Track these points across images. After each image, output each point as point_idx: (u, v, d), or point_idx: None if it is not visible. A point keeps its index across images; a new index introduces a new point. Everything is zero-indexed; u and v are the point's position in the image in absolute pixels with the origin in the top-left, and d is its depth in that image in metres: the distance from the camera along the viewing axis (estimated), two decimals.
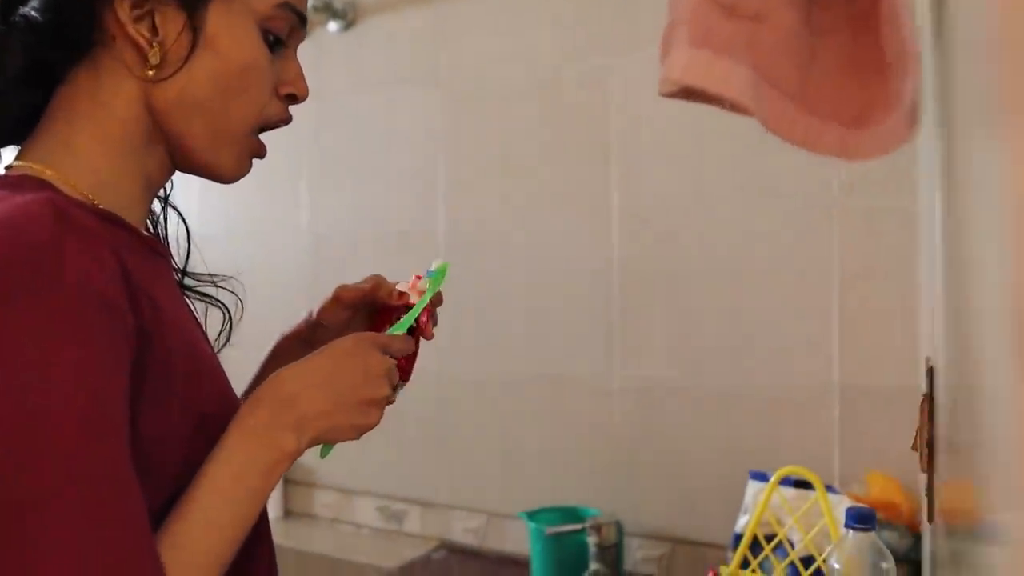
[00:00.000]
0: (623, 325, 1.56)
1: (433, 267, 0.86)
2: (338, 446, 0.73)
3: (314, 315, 0.88)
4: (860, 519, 1.01)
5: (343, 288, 0.87)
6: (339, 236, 1.91)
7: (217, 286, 0.84)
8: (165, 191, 0.80)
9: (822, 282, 1.40)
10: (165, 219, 0.81)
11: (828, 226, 1.39)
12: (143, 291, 0.60)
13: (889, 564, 1.00)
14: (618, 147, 1.57)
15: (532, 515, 1.51)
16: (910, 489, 1.30)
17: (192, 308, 0.78)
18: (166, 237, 0.81)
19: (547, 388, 1.63)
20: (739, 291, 1.47)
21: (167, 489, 0.60)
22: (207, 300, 0.82)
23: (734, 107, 0.48)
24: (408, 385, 0.82)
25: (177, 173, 0.75)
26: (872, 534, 1.01)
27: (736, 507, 1.43)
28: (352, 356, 0.70)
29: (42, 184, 0.62)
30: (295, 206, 1.97)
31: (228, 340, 0.85)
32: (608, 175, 1.58)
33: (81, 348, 0.53)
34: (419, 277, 0.86)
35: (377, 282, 0.86)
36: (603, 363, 1.58)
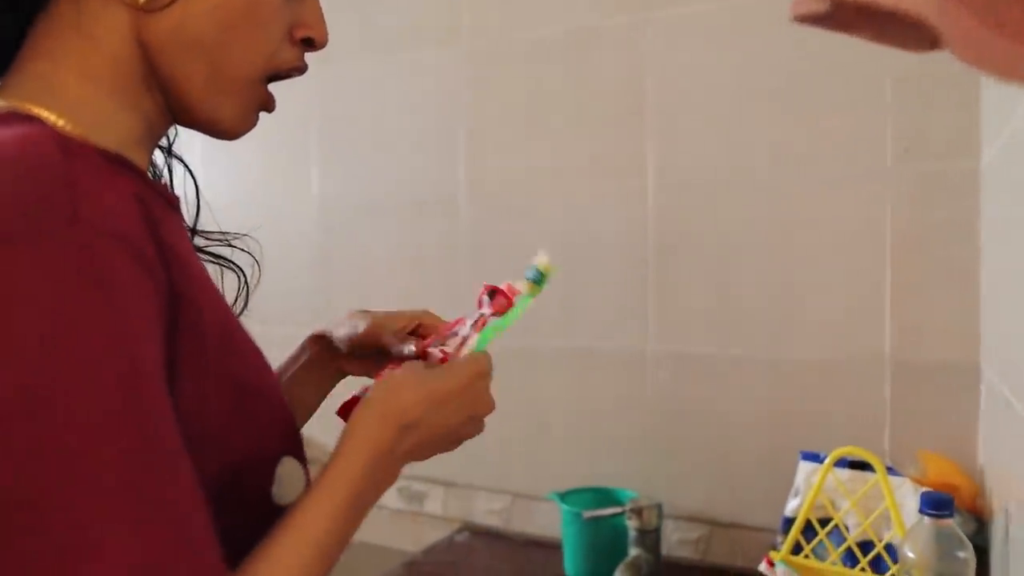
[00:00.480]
0: (659, 295, 1.48)
1: (537, 265, 0.76)
2: None
3: (335, 337, 0.82)
4: (937, 505, 0.94)
5: (380, 324, 0.80)
6: (351, 204, 1.81)
7: (232, 246, 0.74)
8: (168, 140, 0.70)
9: (873, 249, 1.32)
10: (171, 172, 0.71)
11: (880, 190, 1.31)
12: (168, 245, 0.51)
13: (967, 553, 0.93)
14: (654, 107, 1.48)
15: (563, 496, 1.44)
16: (968, 471, 1.23)
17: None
18: (173, 190, 0.72)
19: (577, 362, 1.55)
20: (784, 259, 1.39)
21: (207, 470, 0.52)
22: (221, 262, 0.73)
23: (908, 32, 0.39)
24: None
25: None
26: (951, 521, 0.94)
27: (779, 487, 1.36)
28: (473, 387, 0.65)
29: (31, 119, 0.52)
30: (304, 172, 1.87)
31: (245, 306, 0.75)
32: (643, 137, 1.49)
33: (108, 303, 0.44)
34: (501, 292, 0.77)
35: (424, 321, 0.81)
36: (637, 335, 1.50)
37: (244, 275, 0.74)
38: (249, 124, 0.65)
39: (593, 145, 1.54)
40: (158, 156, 0.69)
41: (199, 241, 0.72)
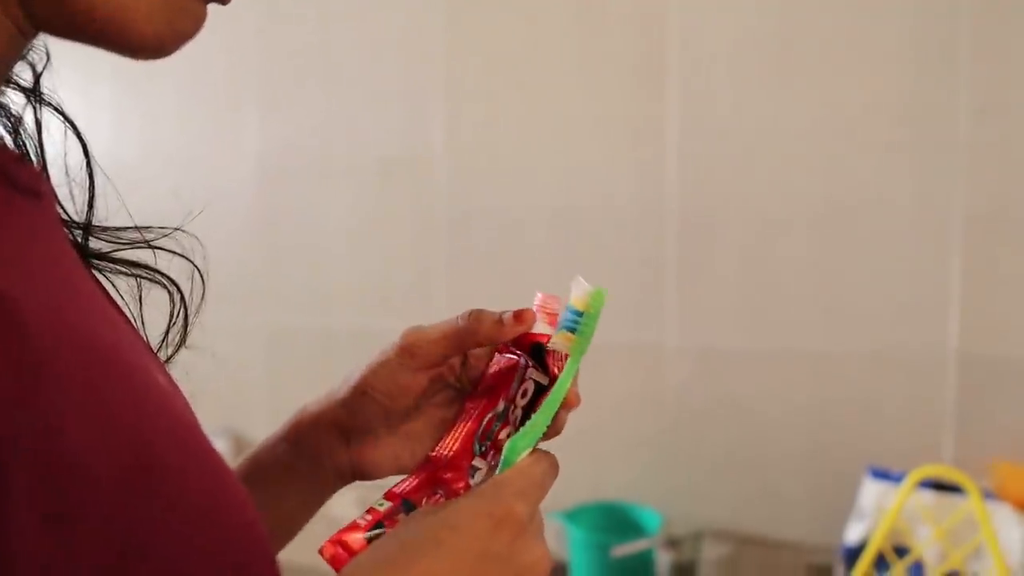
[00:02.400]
0: (680, 280, 1.26)
1: (581, 293, 0.46)
2: None
3: (356, 381, 0.51)
4: None
5: (416, 334, 0.49)
6: (299, 163, 1.51)
7: (152, 247, 0.45)
8: (35, 73, 0.41)
9: (939, 229, 1.14)
10: (39, 127, 0.42)
11: (950, 160, 1.12)
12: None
13: None
14: (677, 61, 1.24)
15: (570, 516, 1.23)
16: None
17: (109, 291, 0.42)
18: (43, 162, 0.43)
19: (584, 357, 1.32)
20: (831, 239, 1.19)
21: None
22: (137, 274, 0.45)
23: None
24: None
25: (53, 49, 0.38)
26: None
27: (823, 497, 1.19)
28: (498, 531, 0.40)
29: None
30: (238, 123, 1.54)
31: (184, 342, 0.47)
32: (663, 96, 1.25)
33: None
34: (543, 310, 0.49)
35: (477, 316, 0.49)
36: (654, 325, 1.28)
37: (179, 291, 0.46)
38: (178, 33, 0.37)
39: (600, 100, 1.30)
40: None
41: (98, 244, 0.43)
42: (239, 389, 1.57)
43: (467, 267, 1.39)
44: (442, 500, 0.46)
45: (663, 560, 1.07)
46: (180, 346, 0.47)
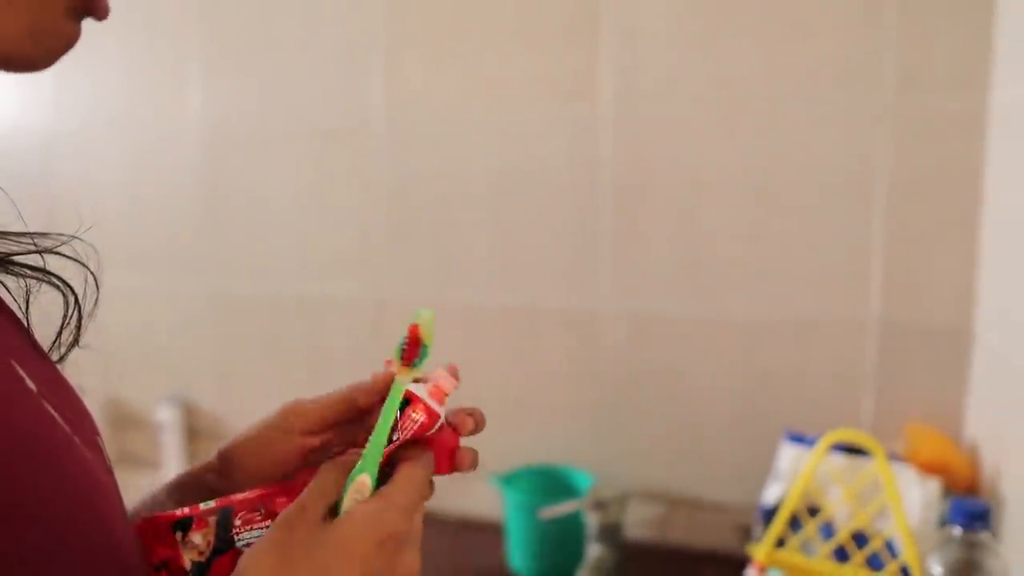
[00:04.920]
0: (614, 244, 1.28)
1: (416, 323, 0.49)
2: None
3: (224, 449, 0.53)
4: (971, 516, 0.80)
5: (297, 401, 0.53)
6: (242, 131, 1.50)
7: (40, 251, 0.46)
8: None
9: (863, 198, 1.15)
10: None
11: (875, 130, 1.14)
12: None
13: (1001, 562, 0.81)
14: (610, 19, 1.24)
15: (508, 480, 1.26)
16: (968, 449, 1.11)
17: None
18: None
19: (518, 322, 1.34)
20: (761, 205, 1.20)
21: None
22: (26, 274, 0.45)
23: None
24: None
25: None
26: (988, 534, 0.80)
27: (747, 461, 1.22)
28: (380, 550, 0.42)
29: None
30: (181, 92, 1.53)
31: (76, 342, 0.48)
32: (596, 56, 1.25)
33: None
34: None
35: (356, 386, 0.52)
36: (588, 292, 1.30)
37: (72, 291, 0.47)
38: (56, 42, 0.38)
39: (535, 63, 1.29)
40: None
41: None
42: (186, 356, 1.59)
43: (407, 232, 1.40)
44: (258, 519, 0.47)
45: (591, 521, 1.11)
46: (73, 346, 0.48)
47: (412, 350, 0.48)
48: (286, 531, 0.41)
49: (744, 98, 1.19)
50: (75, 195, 1.61)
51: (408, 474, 0.45)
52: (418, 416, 0.46)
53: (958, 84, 1.09)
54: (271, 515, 0.47)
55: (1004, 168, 1.04)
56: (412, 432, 0.45)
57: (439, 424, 0.46)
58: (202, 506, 0.46)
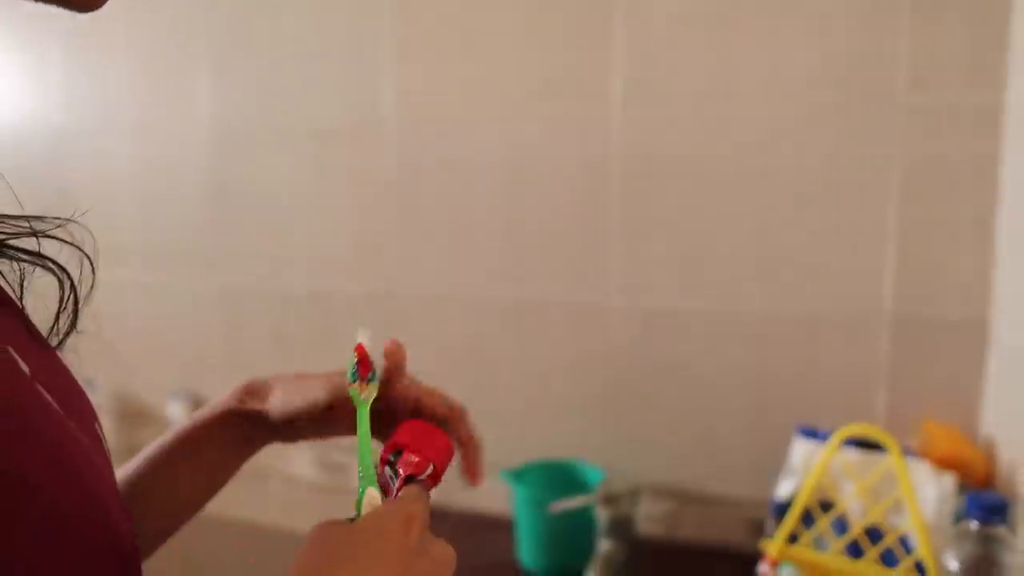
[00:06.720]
0: (625, 239, 1.27)
1: (360, 341, 0.58)
2: None
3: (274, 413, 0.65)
4: (989, 510, 0.80)
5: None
6: (252, 128, 1.50)
7: (35, 234, 0.45)
8: None
9: (877, 192, 1.14)
10: None
11: (889, 125, 1.13)
12: None
13: (1018, 557, 0.80)
14: (624, 15, 1.23)
15: (517, 475, 1.25)
16: (984, 445, 1.10)
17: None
18: None
19: (527, 316, 1.33)
20: (773, 199, 1.20)
21: None
22: (21, 258, 0.45)
23: None
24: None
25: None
26: (1005, 528, 0.79)
27: (761, 455, 1.21)
28: (408, 528, 0.47)
29: None
30: (191, 87, 1.53)
31: (74, 326, 0.49)
32: (609, 51, 1.25)
33: None
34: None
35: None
36: (598, 285, 1.29)
37: (68, 276, 0.47)
38: None
39: (547, 60, 1.29)
40: None
41: None
42: (196, 351, 1.59)
43: (417, 227, 1.40)
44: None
45: (602, 516, 1.10)
46: (70, 332, 0.48)
47: (364, 367, 0.55)
48: (323, 530, 0.46)
49: (756, 94, 1.18)
50: (85, 193, 1.61)
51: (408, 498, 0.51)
52: (412, 459, 0.52)
53: (973, 80, 1.08)
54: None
55: (1021, 163, 1.03)
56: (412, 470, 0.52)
57: (429, 469, 0.52)
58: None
